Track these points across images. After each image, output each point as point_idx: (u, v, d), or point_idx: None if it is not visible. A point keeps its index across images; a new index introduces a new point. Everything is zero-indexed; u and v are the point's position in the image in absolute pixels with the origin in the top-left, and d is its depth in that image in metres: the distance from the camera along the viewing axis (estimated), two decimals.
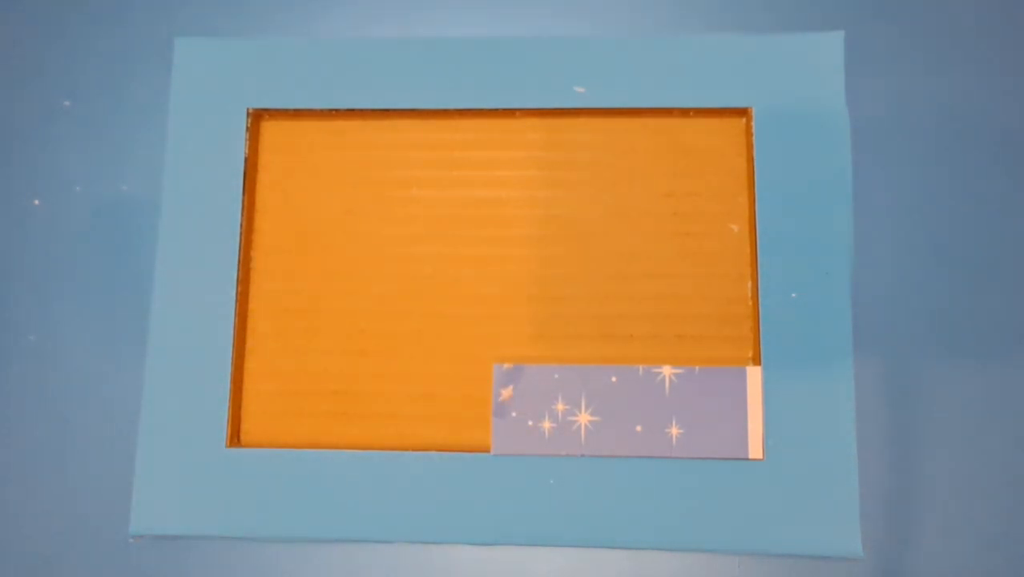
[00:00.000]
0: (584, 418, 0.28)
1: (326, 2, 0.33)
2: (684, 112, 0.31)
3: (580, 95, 0.30)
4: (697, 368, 0.29)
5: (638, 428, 0.28)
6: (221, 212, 0.30)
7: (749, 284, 0.30)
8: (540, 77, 0.30)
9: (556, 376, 0.29)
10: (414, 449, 0.28)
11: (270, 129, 0.31)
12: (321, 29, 0.33)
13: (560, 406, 0.29)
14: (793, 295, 0.29)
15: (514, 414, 0.29)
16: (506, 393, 0.29)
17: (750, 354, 0.29)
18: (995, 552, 0.29)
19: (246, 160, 0.30)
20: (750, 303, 0.29)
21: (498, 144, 0.31)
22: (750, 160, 0.30)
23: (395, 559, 0.29)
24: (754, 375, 0.28)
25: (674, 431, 0.28)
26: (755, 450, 0.28)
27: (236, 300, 0.30)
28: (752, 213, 0.30)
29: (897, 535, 0.29)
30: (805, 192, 0.29)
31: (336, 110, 0.31)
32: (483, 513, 0.28)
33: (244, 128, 0.31)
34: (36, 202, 0.32)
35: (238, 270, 0.30)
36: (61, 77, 0.33)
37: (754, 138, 0.30)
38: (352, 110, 0.31)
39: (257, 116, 0.31)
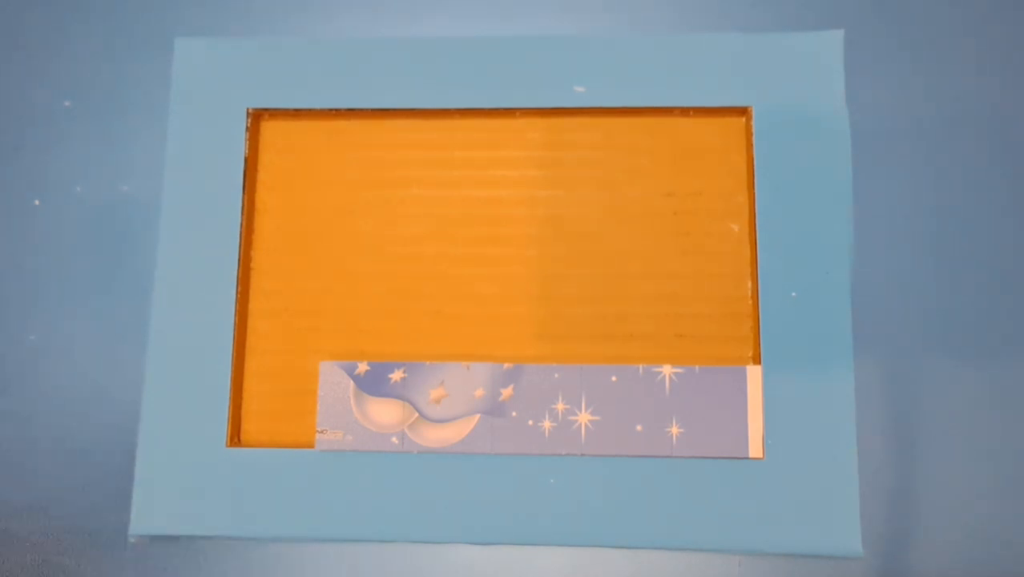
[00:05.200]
0: (584, 418, 0.28)
1: (326, 2, 0.33)
2: (684, 111, 0.31)
3: (580, 94, 0.30)
4: (697, 368, 0.29)
5: (638, 428, 0.28)
6: (221, 212, 0.30)
7: (749, 284, 0.30)
8: (540, 77, 0.30)
9: (556, 376, 0.29)
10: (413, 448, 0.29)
11: (270, 129, 0.31)
12: (321, 29, 0.33)
13: (560, 406, 0.29)
14: (793, 295, 0.29)
15: (514, 414, 0.29)
16: (506, 393, 0.29)
17: (750, 353, 0.29)
18: (995, 552, 0.29)
19: (246, 160, 0.30)
20: (750, 302, 0.29)
21: (498, 144, 0.31)
22: (750, 159, 0.30)
23: (395, 559, 0.29)
24: (754, 374, 0.28)
25: (674, 430, 0.28)
26: (755, 449, 0.28)
27: (236, 300, 0.30)
28: (752, 212, 0.30)
29: (897, 535, 0.29)
30: (805, 191, 0.29)
31: (336, 110, 0.31)
32: (483, 513, 0.28)
33: (244, 128, 0.31)
34: (36, 202, 0.32)
35: (238, 270, 0.30)
36: (61, 77, 0.33)
37: (754, 137, 0.30)
38: (352, 110, 0.31)
39: (257, 116, 0.31)
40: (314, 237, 0.31)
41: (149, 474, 0.28)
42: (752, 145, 0.30)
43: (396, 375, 0.29)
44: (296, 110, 0.31)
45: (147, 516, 0.28)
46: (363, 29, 0.33)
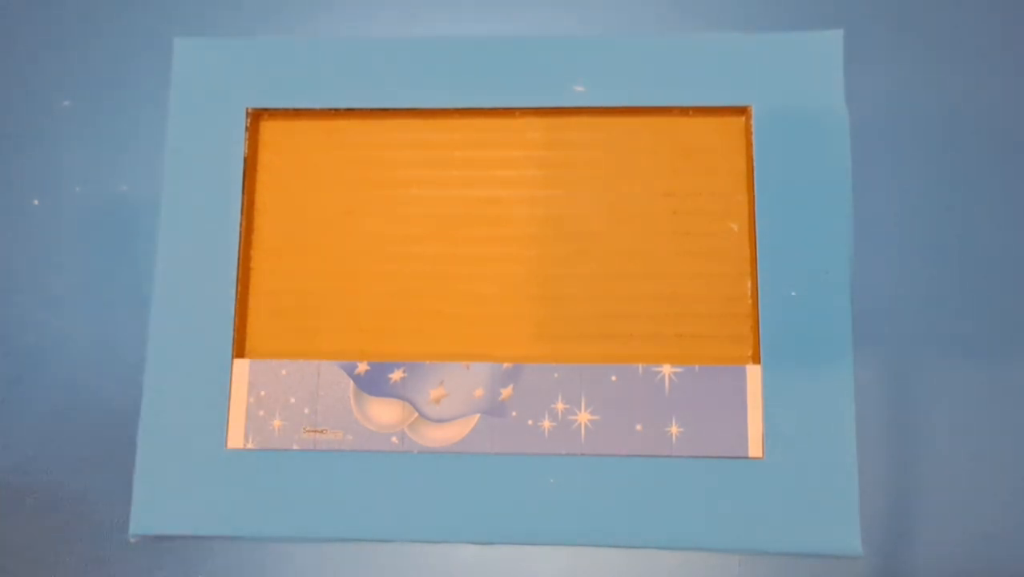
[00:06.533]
0: (584, 417, 0.28)
1: (326, 2, 0.33)
2: (684, 111, 0.31)
3: (580, 94, 0.30)
4: (697, 367, 0.29)
5: (638, 427, 0.28)
6: (221, 212, 0.30)
7: (749, 283, 0.30)
8: (540, 76, 0.30)
9: (556, 376, 0.29)
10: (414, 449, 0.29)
11: (269, 129, 0.31)
12: (321, 29, 0.33)
13: (560, 405, 0.29)
14: (793, 294, 0.29)
15: (514, 414, 0.29)
16: (506, 393, 0.29)
17: (750, 353, 0.29)
18: (995, 551, 0.29)
19: (245, 160, 0.30)
20: (750, 302, 0.29)
21: (498, 144, 0.31)
22: (750, 159, 0.30)
23: (395, 559, 0.29)
24: (754, 374, 0.28)
25: (674, 430, 0.28)
26: (755, 449, 0.28)
27: (236, 300, 0.30)
28: (752, 212, 0.30)
29: (897, 535, 0.29)
30: (804, 191, 0.29)
31: (336, 110, 0.31)
32: (483, 512, 0.28)
33: (243, 128, 0.31)
34: (36, 202, 0.32)
35: (238, 270, 0.30)
36: (61, 77, 0.33)
37: (754, 137, 0.30)
38: (352, 110, 0.31)
39: (256, 116, 0.31)
40: (314, 237, 0.31)
41: (149, 474, 0.28)
42: (752, 145, 0.30)
43: (396, 375, 0.29)
44: (296, 110, 0.31)
45: (147, 516, 0.28)
46: (363, 29, 0.33)
